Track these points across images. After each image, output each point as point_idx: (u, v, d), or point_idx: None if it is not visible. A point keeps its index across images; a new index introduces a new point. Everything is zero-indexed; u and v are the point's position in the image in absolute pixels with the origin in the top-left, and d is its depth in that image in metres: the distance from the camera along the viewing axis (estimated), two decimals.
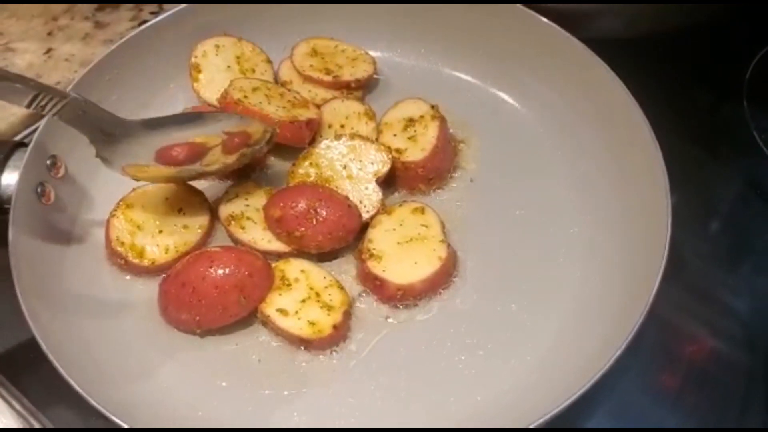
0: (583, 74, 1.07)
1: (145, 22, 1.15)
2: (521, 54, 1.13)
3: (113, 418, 0.77)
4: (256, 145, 0.95)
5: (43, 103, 0.83)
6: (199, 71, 1.12)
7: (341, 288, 0.93)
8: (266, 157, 1.07)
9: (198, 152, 0.96)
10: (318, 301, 0.91)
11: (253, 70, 1.14)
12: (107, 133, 0.92)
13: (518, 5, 1.11)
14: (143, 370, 0.90)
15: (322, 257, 0.98)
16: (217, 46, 1.14)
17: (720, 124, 1.19)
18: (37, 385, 0.92)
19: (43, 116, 0.91)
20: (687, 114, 1.18)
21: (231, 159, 0.95)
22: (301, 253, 0.97)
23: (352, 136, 1.03)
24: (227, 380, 0.89)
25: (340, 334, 0.90)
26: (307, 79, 1.12)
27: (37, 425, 0.90)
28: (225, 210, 0.99)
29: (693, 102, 1.20)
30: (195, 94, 1.12)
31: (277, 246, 0.97)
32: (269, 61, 1.16)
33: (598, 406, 0.90)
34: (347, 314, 0.91)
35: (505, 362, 0.90)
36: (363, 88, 1.15)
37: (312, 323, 0.89)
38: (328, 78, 1.12)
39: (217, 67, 1.13)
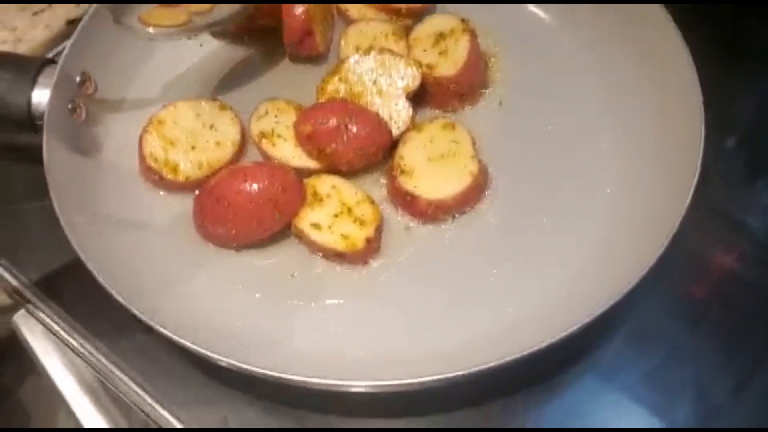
0: None
1: None
2: None
3: (153, 324, 0.79)
4: None
5: None
6: None
7: (372, 203, 0.94)
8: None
9: None
10: (350, 215, 0.92)
11: None
12: None
13: None
14: (181, 283, 0.92)
15: (349, 175, 0.98)
16: None
17: (745, 35, 1.17)
18: (79, 303, 0.95)
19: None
20: (712, 23, 1.14)
21: None
22: (331, 170, 0.97)
23: (382, 50, 1.01)
24: (262, 292, 0.91)
25: (372, 247, 0.91)
26: None
27: (74, 343, 0.93)
28: (256, 127, 0.99)
29: (718, 10, 1.16)
30: None
31: (308, 163, 0.97)
32: None
33: (621, 325, 0.91)
34: (379, 229, 0.92)
35: (536, 276, 0.90)
36: (414, 17, 1.10)
37: (345, 237, 0.90)
38: None
39: None
